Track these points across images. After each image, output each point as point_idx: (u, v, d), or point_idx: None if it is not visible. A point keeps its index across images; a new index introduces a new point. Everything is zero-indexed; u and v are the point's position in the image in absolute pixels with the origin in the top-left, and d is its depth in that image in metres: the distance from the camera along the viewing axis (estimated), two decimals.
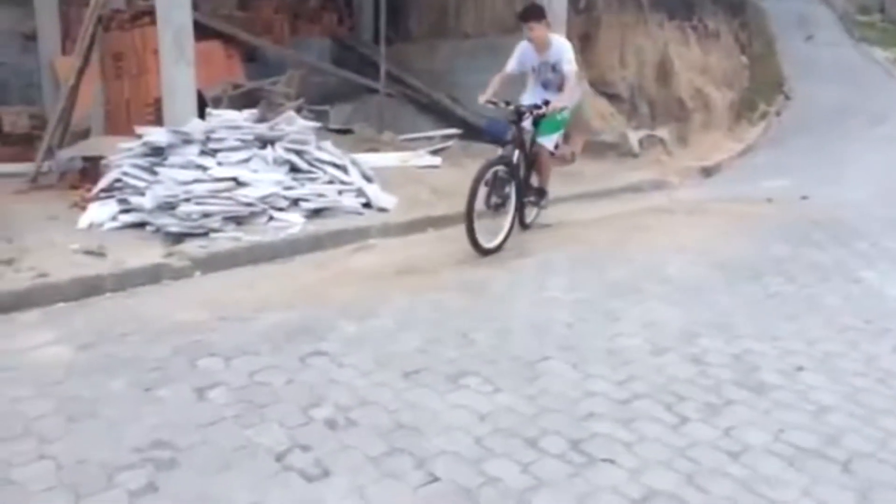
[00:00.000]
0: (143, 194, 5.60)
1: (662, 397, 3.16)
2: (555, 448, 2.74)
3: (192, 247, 5.11)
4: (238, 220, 5.57)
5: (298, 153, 6.28)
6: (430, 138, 9.60)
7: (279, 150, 6.19)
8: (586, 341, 3.78)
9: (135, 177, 5.79)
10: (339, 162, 6.51)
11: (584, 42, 10.77)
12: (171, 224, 5.33)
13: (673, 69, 11.60)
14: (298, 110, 7.73)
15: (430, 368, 3.41)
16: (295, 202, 5.96)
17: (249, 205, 5.61)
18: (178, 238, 5.26)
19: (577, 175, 8.52)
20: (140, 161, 5.89)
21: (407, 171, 7.83)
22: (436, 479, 2.54)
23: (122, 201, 5.72)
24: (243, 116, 6.39)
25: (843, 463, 2.67)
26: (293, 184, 6.06)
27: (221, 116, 6.33)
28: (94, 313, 4.17)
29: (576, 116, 9.69)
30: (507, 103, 5.63)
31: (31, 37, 9.82)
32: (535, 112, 5.56)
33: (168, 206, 5.40)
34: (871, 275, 5.02)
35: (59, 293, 4.34)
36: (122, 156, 6.02)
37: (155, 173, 5.74)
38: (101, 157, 6.48)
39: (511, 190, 5.54)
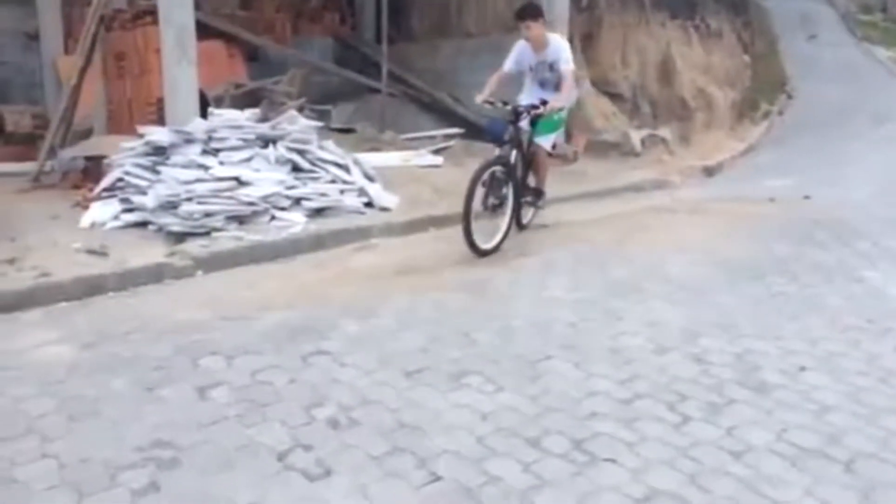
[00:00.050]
0: (145, 194, 5.60)
1: (665, 397, 3.15)
2: (557, 447, 2.74)
3: (194, 246, 5.12)
4: (240, 220, 5.57)
5: (300, 152, 6.28)
6: (431, 138, 9.59)
7: (281, 150, 6.20)
8: (588, 340, 3.78)
9: (137, 176, 5.80)
10: (341, 161, 6.51)
11: (586, 41, 10.78)
12: (174, 223, 5.34)
13: (675, 68, 11.60)
14: (300, 110, 7.73)
15: (431, 368, 3.41)
16: (297, 201, 5.96)
17: (251, 204, 5.61)
18: (180, 237, 5.26)
19: (580, 174, 8.54)
20: (142, 160, 5.90)
21: (409, 170, 7.83)
22: (438, 479, 2.54)
23: (125, 200, 5.73)
24: (245, 116, 6.40)
25: (845, 463, 2.67)
26: (295, 183, 6.06)
27: (223, 116, 6.33)
28: (96, 313, 4.18)
29: (578, 116, 9.76)
30: (505, 103, 5.59)
31: (33, 36, 9.84)
32: (533, 112, 5.52)
33: (170, 206, 5.41)
34: (873, 274, 5.01)
35: (61, 292, 4.34)
36: (124, 155, 6.03)
37: (157, 173, 5.75)
38: (103, 157, 6.49)
39: (508, 191, 5.49)
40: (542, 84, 5.85)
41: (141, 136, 6.09)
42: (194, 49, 6.52)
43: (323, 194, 6.09)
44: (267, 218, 5.70)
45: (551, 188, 6.31)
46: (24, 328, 3.91)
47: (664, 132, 10.41)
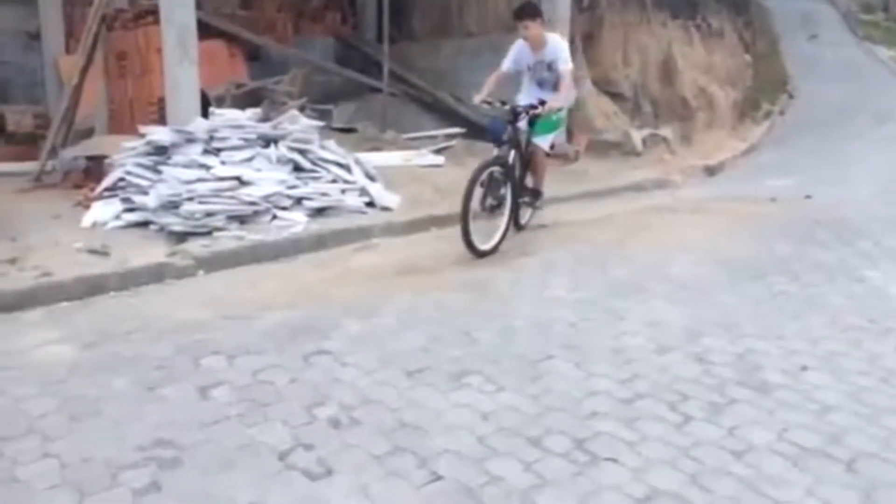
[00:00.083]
0: (146, 193, 5.61)
1: (666, 396, 3.15)
2: (558, 447, 2.74)
3: (196, 246, 5.12)
4: (241, 219, 5.57)
5: (302, 152, 6.28)
6: (433, 137, 9.59)
7: (282, 149, 6.20)
8: (589, 340, 3.78)
9: (138, 176, 5.80)
10: (342, 161, 6.51)
11: (587, 41, 10.77)
12: (175, 223, 5.34)
13: (676, 68, 11.59)
14: (302, 109, 7.73)
15: (433, 367, 3.41)
16: (298, 201, 5.96)
17: (253, 204, 5.62)
18: (182, 237, 5.26)
19: (581, 174, 8.54)
20: (143, 160, 5.90)
21: (410, 170, 7.82)
22: (439, 478, 2.54)
23: (126, 200, 5.73)
24: (246, 115, 6.40)
25: (846, 462, 2.66)
26: (296, 183, 6.06)
27: (225, 115, 6.33)
28: (97, 312, 4.18)
29: (579, 115, 9.76)
30: (503, 103, 5.56)
31: (34, 35, 9.84)
32: (531, 112, 5.48)
33: (171, 205, 5.41)
34: (874, 274, 5.01)
35: (62, 292, 4.35)
36: (125, 155, 6.03)
37: (158, 172, 5.75)
38: (104, 157, 6.50)
39: (507, 191, 5.47)
40: (541, 84, 5.82)
41: (142, 135, 6.09)
42: (195, 49, 6.52)
43: (324, 194, 6.09)
44: (268, 217, 5.71)
45: (552, 188, 6.31)
46: (26, 328, 3.91)
47: (665, 132, 10.41)
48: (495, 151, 5.46)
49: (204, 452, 2.68)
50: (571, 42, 9.13)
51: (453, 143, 9.26)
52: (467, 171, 5.24)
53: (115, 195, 5.88)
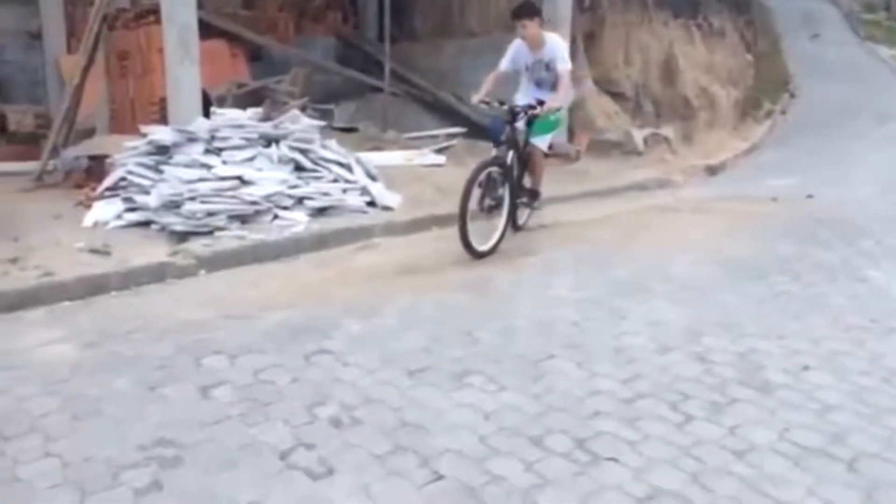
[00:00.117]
0: (147, 193, 5.61)
1: (667, 396, 3.15)
2: (559, 447, 2.74)
3: (197, 245, 5.12)
4: (243, 219, 5.58)
5: (303, 152, 6.29)
6: (434, 137, 9.59)
7: (284, 149, 6.20)
8: (591, 340, 3.78)
9: (140, 175, 5.81)
10: (343, 160, 6.51)
11: (588, 40, 10.77)
12: (176, 223, 5.34)
13: (678, 67, 11.59)
14: (303, 109, 7.73)
15: (434, 367, 3.41)
16: (299, 201, 5.96)
17: (254, 203, 5.62)
18: (183, 237, 5.26)
19: (582, 173, 8.54)
20: (145, 160, 5.90)
21: (411, 169, 7.83)
22: (440, 478, 2.54)
23: (127, 200, 5.73)
24: (248, 115, 6.40)
25: (848, 462, 2.66)
26: (298, 182, 6.06)
27: (226, 115, 6.33)
28: (99, 312, 4.18)
29: (580, 115, 9.76)
30: (501, 103, 5.53)
31: (36, 35, 9.86)
32: (530, 112, 5.46)
33: (173, 205, 5.41)
34: (876, 273, 5.00)
35: (64, 292, 4.35)
36: (126, 154, 6.04)
37: (160, 172, 5.75)
38: (106, 156, 6.50)
39: (505, 192, 5.44)
40: (539, 84, 5.79)
41: (144, 135, 6.09)
42: (197, 48, 6.52)
43: (325, 193, 6.10)
44: (269, 217, 5.71)
45: (553, 187, 6.30)
46: (28, 327, 3.92)
47: (667, 131, 10.41)
48: (493, 152, 5.43)
49: (205, 452, 2.68)
50: (573, 42, 9.16)
51: (454, 142, 9.26)
52: (468, 171, 5.24)
53: (117, 195, 5.88)
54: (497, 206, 5.42)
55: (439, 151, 8.77)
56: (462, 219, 5.02)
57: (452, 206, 6.05)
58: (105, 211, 5.71)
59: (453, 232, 5.11)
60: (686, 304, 4.34)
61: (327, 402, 3.06)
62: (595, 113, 10.02)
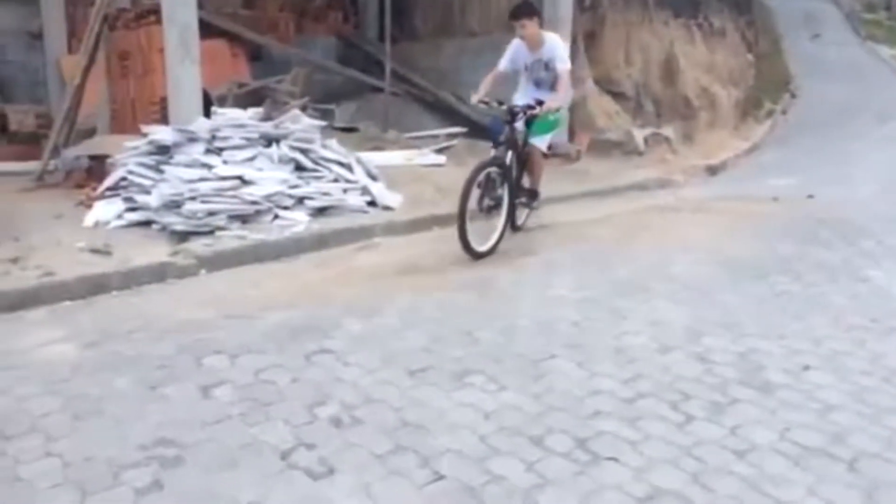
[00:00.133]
0: (148, 193, 5.61)
1: (668, 396, 3.15)
2: (560, 446, 2.74)
3: (198, 245, 5.12)
4: (243, 219, 5.58)
5: (303, 151, 6.29)
6: (434, 137, 9.59)
7: (284, 149, 6.20)
8: (592, 339, 3.77)
9: (140, 175, 5.81)
10: (344, 160, 6.51)
11: (589, 40, 10.77)
12: (177, 222, 5.34)
13: (678, 67, 11.59)
14: (303, 109, 7.73)
15: (435, 367, 3.41)
16: (300, 200, 5.96)
17: (255, 203, 5.62)
18: (184, 236, 5.27)
19: (582, 173, 8.53)
20: (146, 160, 5.91)
21: (412, 169, 7.82)
22: (441, 477, 2.54)
23: (128, 200, 5.74)
24: (248, 115, 6.40)
25: (848, 462, 2.66)
26: (298, 182, 6.06)
27: (227, 115, 6.34)
28: (99, 311, 4.18)
29: (581, 114, 9.75)
30: (500, 103, 5.52)
31: (37, 35, 9.86)
32: (529, 112, 5.44)
33: (174, 205, 5.41)
34: (877, 273, 5.00)
35: (65, 291, 4.35)
36: (127, 154, 6.04)
37: (161, 172, 5.76)
38: (106, 156, 6.50)
39: (504, 192, 5.43)
40: (538, 83, 5.77)
41: (144, 135, 6.10)
42: (197, 48, 6.53)
43: (326, 193, 6.10)
44: (270, 217, 5.71)
45: (554, 187, 6.30)
46: (29, 327, 3.92)
47: (667, 131, 10.41)
48: (492, 152, 5.42)
49: (206, 451, 2.68)
50: (573, 41, 9.15)
51: (455, 142, 9.26)
52: (469, 171, 5.23)
53: (118, 194, 5.89)
54: (496, 206, 5.41)
55: (440, 151, 8.77)
56: (461, 219, 5.01)
57: (453, 206, 6.04)
58: (106, 211, 5.71)
59: (454, 232, 5.10)
60: (687, 304, 4.34)
61: (328, 401, 3.06)
62: (595, 112, 10.02)
